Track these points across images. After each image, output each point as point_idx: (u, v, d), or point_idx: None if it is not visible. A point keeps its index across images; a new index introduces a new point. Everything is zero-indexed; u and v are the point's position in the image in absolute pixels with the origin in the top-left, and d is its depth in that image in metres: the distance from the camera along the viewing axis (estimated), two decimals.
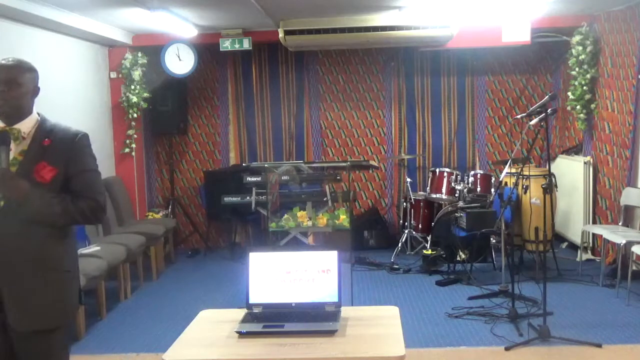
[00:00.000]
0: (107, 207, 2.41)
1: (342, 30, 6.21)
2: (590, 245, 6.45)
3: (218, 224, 7.61)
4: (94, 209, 2.31)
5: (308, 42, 6.44)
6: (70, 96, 6.02)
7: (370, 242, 7.21)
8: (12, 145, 2.24)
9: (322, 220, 5.11)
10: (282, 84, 7.65)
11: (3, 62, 2.26)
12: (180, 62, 6.73)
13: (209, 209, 7.27)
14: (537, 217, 5.65)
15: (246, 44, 6.68)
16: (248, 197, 6.28)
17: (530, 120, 4.96)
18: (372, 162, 6.66)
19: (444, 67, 7.49)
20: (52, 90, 5.65)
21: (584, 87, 6.38)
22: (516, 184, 5.21)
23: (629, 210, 5.73)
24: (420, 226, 6.81)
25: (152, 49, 6.82)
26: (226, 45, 6.71)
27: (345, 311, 2.51)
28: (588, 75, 6.34)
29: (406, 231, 6.75)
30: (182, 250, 7.44)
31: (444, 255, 6.11)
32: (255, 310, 2.50)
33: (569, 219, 6.73)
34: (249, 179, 6.12)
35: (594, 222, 6.39)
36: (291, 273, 2.51)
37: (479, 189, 6.32)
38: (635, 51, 5.58)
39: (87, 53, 6.42)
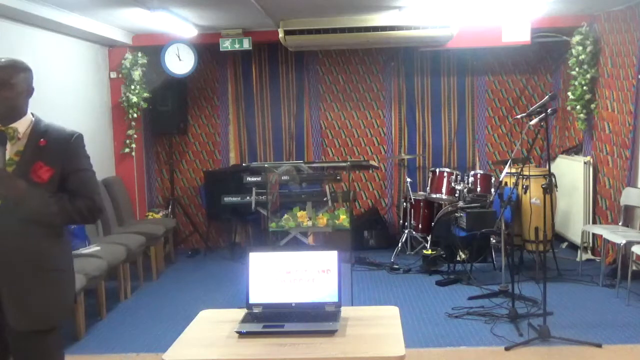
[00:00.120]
0: (103, 206, 2.41)
1: (342, 30, 6.21)
2: (590, 245, 6.45)
3: (218, 224, 7.61)
4: (91, 208, 2.32)
5: (308, 42, 6.44)
6: (70, 96, 6.02)
7: (370, 242, 7.21)
8: (8, 146, 2.23)
9: (322, 220, 5.11)
10: (282, 84, 7.65)
11: None
12: (180, 62, 6.73)
13: (209, 209, 7.27)
14: (537, 217, 5.64)
15: (246, 44, 6.68)
16: (248, 197, 6.28)
17: (530, 120, 4.96)
18: (372, 162, 6.66)
19: (444, 67, 7.49)
20: (52, 90, 5.65)
21: (584, 87, 6.38)
22: (516, 184, 5.21)
23: (629, 210, 5.73)
24: (420, 226, 6.81)
25: (152, 49, 6.82)
26: (226, 45, 6.71)
27: (345, 311, 2.51)
28: (588, 75, 6.34)
29: (406, 231, 6.75)
30: (182, 250, 7.44)
31: (444, 255, 6.11)
32: (255, 310, 2.50)
33: (569, 219, 6.73)
34: (249, 179, 6.13)
35: (594, 222, 6.39)
36: (291, 273, 2.51)
37: (479, 189, 6.32)
38: (635, 51, 5.58)
39: (87, 53, 6.42)
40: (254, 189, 6.15)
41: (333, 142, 7.66)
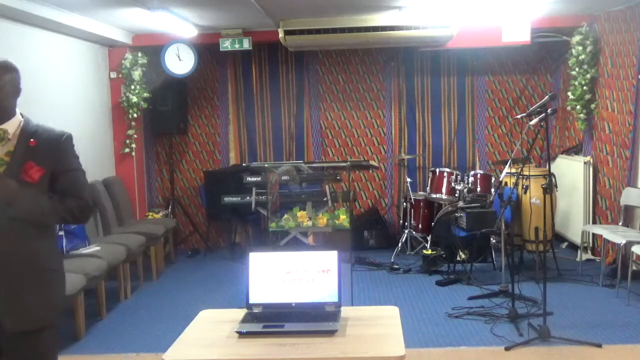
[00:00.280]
0: (93, 206, 2.41)
1: (342, 30, 6.21)
2: (590, 245, 6.45)
3: (218, 224, 7.61)
4: (82, 207, 2.32)
5: (308, 42, 6.44)
6: (70, 96, 6.02)
7: (370, 242, 7.21)
8: None
9: (322, 220, 5.11)
10: (282, 84, 7.65)
11: None
12: (180, 62, 6.73)
13: (209, 209, 7.27)
14: (537, 217, 5.64)
15: (246, 44, 6.68)
16: (248, 197, 6.28)
17: (530, 120, 4.95)
18: (372, 162, 6.66)
19: (444, 67, 7.49)
20: (52, 90, 5.65)
21: (584, 87, 6.38)
22: (516, 184, 5.21)
23: (629, 210, 5.73)
24: (420, 226, 6.81)
25: (152, 49, 6.82)
26: (226, 45, 6.71)
27: (345, 311, 2.50)
28: (588, 75, 6.34)
29: (406, 231, 6.75)
30: (182, 250, 7.44)
31: (444, 255, 6.11)
32: (255, 310, 2.50)
33: (569, 219, 6.73)
34: (249, 179, 6.13)
35: (594, 222, 6.39)
36: (291, 273, 2.51)
37: (479, 189, 6.32)
38: (635, 51, 5.58)
39: (87, 53, 6.42)
40: (254, 189, 6.15)
41: (333, 142, 7.66)
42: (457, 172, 6.58)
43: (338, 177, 5.84)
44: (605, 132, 6.21)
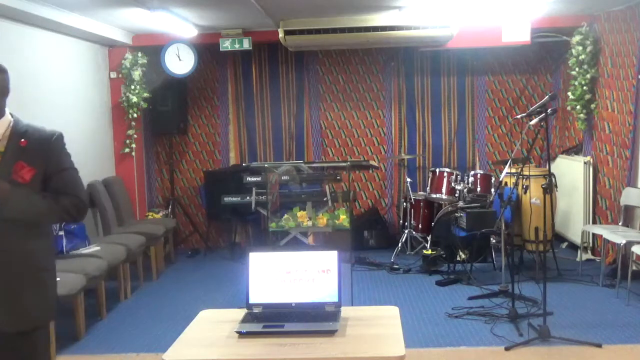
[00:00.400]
0: (88, 203, 2.41)
1: (342, 30, 6.21)
2: (590, 245, 6.45)
3: (218, 224, 7.61)
4: (77, 206, 2.31)
5: (308, 42, 6.44)
6: (70, 96, 6.02)
7: (370, 242, 7.21)
8: None
9: (322, 220, 5.11)
10: (282, 84, 7.65)
11: None
12: (180, 62, 6.73)
13: (209, 209, 7.27)
14: (537, 217, 5.64)
15: (246, 44, 6.68)
16: (248, 197, 6.28)
17: (530, 120, 4.95)
18: (372, 162, 6.66)
19: (444, 67, 7.49)
20: (52, 90, 5.65)
21: (584, 87, 6.38)
22: (516, 184, 5.21)
23: (629, 210, 5.73)
24: (420, 226, 6.81)
25: (152, 49, 6.82)
26: (226, 45, 6.71)
27: (345, 311, 2.50)
28: (588, 75, 6.34)
29: (406, 231, 6.75)
30: (182, 250, 7.44)
31: (444, 255, 6.11)
32: (255, 310, 2.50)
33: (569, 219, 6.73)
34: (249, 179, 6.13)
35: (594, 222, 6.39)
36: (291, 273, 2.51)
37: (479, 189, 6.32)
38: (635, 51, 5.58)
39: (87, 53, 6.42)
40: (254, 189, 6.16)
41: (333, 142, 7.67)
42: (457, 172, 6.58)
43: (338, 177, 5.84)
44: (605, 132, 6.21)
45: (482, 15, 6.17)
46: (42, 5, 5.04)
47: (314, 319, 2.39)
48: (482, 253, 6.14)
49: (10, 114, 2.32)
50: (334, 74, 7.60)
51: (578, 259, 6.24)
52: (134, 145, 6.97)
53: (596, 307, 4.96)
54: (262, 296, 2.51)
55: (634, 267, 5.29)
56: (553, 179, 5.34)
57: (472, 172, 6.47)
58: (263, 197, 6.01)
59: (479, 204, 6.00)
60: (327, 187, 5.95)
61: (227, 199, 6.51)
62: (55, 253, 2.50)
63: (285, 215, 5.21)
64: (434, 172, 6.67)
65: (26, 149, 2.25)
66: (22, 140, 2.25)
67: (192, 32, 6.37)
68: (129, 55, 6.81)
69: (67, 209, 2.29)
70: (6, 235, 2.21)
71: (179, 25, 6.00)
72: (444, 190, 6.51)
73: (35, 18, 5.09)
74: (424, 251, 6.24)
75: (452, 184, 6.44)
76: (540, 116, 4.62)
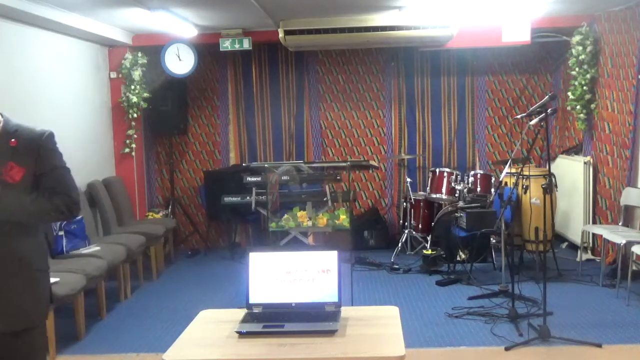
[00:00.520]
0: (79, 202, 2.38)
1: (342, 30, 6.21)
2: (590, 245, 6.45)
3: (218, 224, 7.61)
4: (69, 204, 2.30)
5: (308, 42, 6.44)
6: (70, 96, 6.02)
7: (370, 242, 7.21)
8: None
9: (322, 220, 5.11)
10: (282, 84, 7.65)
11: None
12: (180, 62, 6.73)
13: (209, 209, 7.27)
14: (537, 217, 5.65)
15: (246, 44, 6.68)
16: (248, 197, 6.28)
17: (530, 120, 4.96)
18: (372, 162, 6.66)
19: (444, 67, 7.49)
20: (52, 90, 5.65)
21: (584, 87, 6.38)
22: (516, 184, 5.20)
23: (629, 210, 5.73)
24: (420, 226, 6.81)
25: (152, 49, 6.82)
26: (226, 45, 6.71)
27: (345, 311, 2.50)
28: (588, 75, 6.34)
29: (406, 231, 6.75)
30: (182, 250, 7.44)
31: (444, 255, 6.11)
32: (255, 310, 2.50)
33: (569, 219, 6.73)
34: (249, 179, 6.13)
35: (594, 222, 6.39)
36: (291, 273, 2.51)
37: (479, 189, 6.32)
38: (635, 51, 5.58)
39: (87, 53, 6.42)
40: (254, 189, 6.16)
41: (333, 142, 7.67)
42: (457, 172, 6.58)
43: (338, 177, 5.84)
44: (605, 132, 6.21)
45: (482, 15, 6.17)
46: (43, 5, 5.04)
47: (314, 319, 2.39)
48: (482, 253, 6.14)
49: (1, 113, 2.31)
50: (334, 74, 7.60)
51: (578, 259, 6.24)
52: (134, 145, 6.97)
53: (596, 307, 4.96)
54: (262, 296, 2.51)
55: (634, 267, 5.28)
56: (553, 179, 5.34)
57: (472, 172, 6.47)
58: (263, 197, 6.01)
59: (479, 204, 6.00)
60: (327, 187, 5.95)
61: (227, 199, 6.51)
62: (48, 253, 2.48)
63: (285, 215, 5.21)
64: (434, 172, 6.67)
65: (16, 149, 2.22)
66: (12, 140, 2.23)
67: (192, 32, 6.38)
68: (129, 55, 6.81)
69: (58, 209, 2.27)
70: (2, 236, 2.20)
71: (179, 25, 6.00)
72: (444, 190, 6.51)
73: (35, 18, 5.09)
74: (424, 251, 6.24)
75: (452, 184, 6.44)
76: (540, 116, 4.62)
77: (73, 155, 5.96)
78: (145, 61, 6.86)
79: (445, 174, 6.56)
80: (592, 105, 6.39)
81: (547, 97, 4.46)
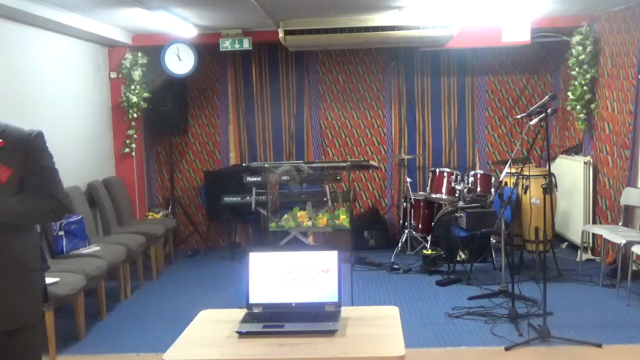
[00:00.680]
0: (68, 203, 2.34)
1: (342, 30, 6.21)
2: (590, 245, 6.45)
3: (218, 224, 7.61)
4: (55, 207, 2.27)
5: (308, 42, 6.44)
6: (70, 96, 6.02)
7: (370, 242, 7.21)
8: None
9: (322, 220, 5.11)
10: (282, 84, 7.65)
11: None
12: (180, 62, 6.73)
13: (209, 209, 7.27)
14: (537, 217, 5.65)
15: (246, 44, 6.68)
16: (248, 197, 6.28)
17: (530, 120, 4.96)
18: (372, 162, 6.66)
19: (444, 67, 7.49)
20: (52, 90, 5.65)
21: (584, 87, 6.38)
22: (516, 184, 5.20)
23: (629, 210, 5.73)
24: (420, 226, 6.81)
25: (152, 49, 6.82)
26: (226, 45, 6.71)
27: (345, 311, 2.50)
28: (588, 75, 6.34)
29: (406, 231, 6.75)
30: (182, 250, 7.44)
31: (444, 255, 6.11)
32: (255, 310, 2.50)
33: (569, 219, 6.73)
34: (249, 179, 6.13)
35: (594, 222, 6.39)
36: (291, 273, 2.51)
37: (479, 189, 6.32)
38: (635, 51, 5.58)
39: (87, 53, 6.42)
40: (254, 189, 6.16)
41: (333, 142, 7.67)
42: (457, 172, 6.58)
43: (338, 177, 5.84)
44: (605, 132, 6.21)
45: (482, 15, 6.17)
46: (43, 5, 5.04)
47: (314, 319, 2.39)
48: (482, 253, 6.14)
49: None
50: (334, 74, 7.60)
51: (578, 259, 6.24)
52: (134, 145, 6.97)
53: (596, 307, 4.96)
54: (262, 296, 2.51)
55: (634, 267, 5.28)
56: (553, 179, 5.34)
57: (472, 172, 6.47)
58: (263, 197, 6.01)
59: (479, 204, 6.00)
60: (327, 187, 5.95)
61: (227, 199, 6.51)
62: (48, 252, 2.47)
63: (285, 215, 5.20)
64: (434, 172, 6.67)
65: (4, 149, 2.19)
66: (0, 140, 2.21)
67: (192, 32, 6.38)
68: (129, 55, 6.81)
69: (44, 211, 2.25)
70: None
71: (179, 25, 6.00)
72: (444, 190, 6.51)
73: (35, 18, 5.09)
74: (424, 251, 6.24)
75: (452, 184, 6.44)
76: (540, 116, 4.62)
77: (73, 155, 6.00)
78: (145, 61, 6.86)
79: (445, 174, 6.56)
80: (592, 105, 6.39)
81: (547, 97, 4.46)
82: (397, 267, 6.26)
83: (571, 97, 6.51)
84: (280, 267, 2.52)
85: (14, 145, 2.21)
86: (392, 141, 7.61)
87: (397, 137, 7.60)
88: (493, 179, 6.52)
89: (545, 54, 7.36)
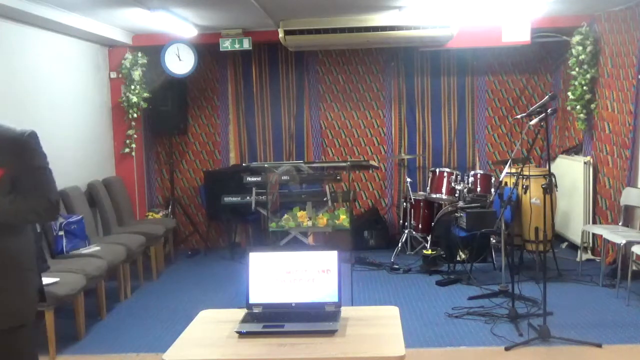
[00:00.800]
0: (59, 204, 2.33)
1: (342, 30, 6.21)
2: (590, 245, 6.45)
3: (218, 224, 7.61)
4: (47, 207, 2.26)
5: (308, 42, 6.44)
6: (70, 96, 6.02)
7: (370, 242, 7.21)
8: None
9: (322, 220, 5.11)
10: (282, 84, 7.65)
11: None
12: (180, 62, 6.73)
13: (209, 209, 7.27)
14: (537, 217, 5.65)
15: (246, 44, 6.68)
16: (248, 197, 6.28)
17: (530, 120, 4.96)
18: (372, 162, 6.66)
19: (444, 67, 7.49)
20: (52, 90, 5.65)
21: (584, 87, 6.38)
22: (516, 184, 5.20)
23: (629, 210, 5.73)
24: (420, 226, 6.81)
25: (152, 49, 6.82)
26: (226, 45, 6.71)
27: (345, 311, 2.50)
28: (588, 75, 6.34)
29: (406, 231, 6.75)
30: (182, 250, 7.44)
31: (444, 255, 6.11)
32: (255, 310, 2.50)
33: (569, 219, 6.73)
34: (249, 179, 6.13)
35: (594, 222, 6.39)
36: (291, 273, 2.51)
37: (479, 189, 6.32)
38: (635, 51, 5.58)
39: (87, 53, 6.42)
40: (254, 189, 6.16)
41: (333, 142, 7.67)
42: (457, 172, 6.58)
43: (338, 177, 5.84)
44: (605, 132, 6.21)
45: (482, 15, 6.17)
46: (43, 5, 5.04)
47: (314, 319, 2.39)
48: (482, 253, 6.14)
49: None
50: (334, 74, 7.60)
51: (578, 259, 6.24)
52: (134, 145, 6.97)
53: (596, 307, 4.96)
54: (262, 296, 2.51)
55: (634, 267, 5.29)
56: (553, 179, 5.34)
57: (472, 172, 6.47)
58: (263, 197, 6.01)
59: (479, 204, 6.00)
60: (327, 187, 5.95)
61: (227, 199, 6.51)
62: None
63: (285, 215, 5.20)
64: (434, 172, 6.67)
65: None
66: None
67: (192, 32, 6.38)
68: (129, 55, 6.81)
69: (35, 211, 2.24)
70: None
71: (179, 25, 6.00)
72: (444, 190, 6.51)
73: (35, 18, 5.09)
74: (424, 251, 6.24)
75: (452, 184, 6.44)
76: (540, 116, 4.62)
77: (73, 155, 6.00)
78: (145, 61, 6.86)
79: (445, 174, 6.56)
80: (592, 105, 6.39)
81: (547, 97, 4.46)
82: (397, 267, 6.26)
83: (571, 97, 6.51)
84: (280, 267, 2.52)
85: (6, 145, 2.20)
86: (392, 141, 7.61)
87: (397, 137, 7.60)
88: (493, 179, 6.52)
89: (545, 54, 7.36)
